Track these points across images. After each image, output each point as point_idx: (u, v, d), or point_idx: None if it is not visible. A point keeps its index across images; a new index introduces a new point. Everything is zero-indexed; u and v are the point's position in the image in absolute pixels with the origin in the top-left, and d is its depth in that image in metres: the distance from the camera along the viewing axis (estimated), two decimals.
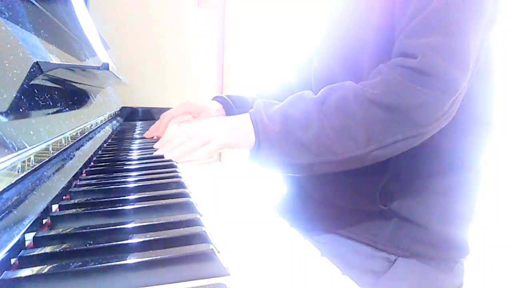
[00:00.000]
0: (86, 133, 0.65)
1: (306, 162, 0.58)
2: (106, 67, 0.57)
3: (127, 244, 0.29)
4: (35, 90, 0.45)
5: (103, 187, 0.44)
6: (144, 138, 0.88)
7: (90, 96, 0.81)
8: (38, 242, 0.30)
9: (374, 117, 0.55)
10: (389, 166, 0.64)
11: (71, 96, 0.64)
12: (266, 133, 0.59)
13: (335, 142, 0.56)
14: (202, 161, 0.64)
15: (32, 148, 0.36)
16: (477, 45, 0.56)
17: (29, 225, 0.30)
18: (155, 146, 0.69)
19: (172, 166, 0.55)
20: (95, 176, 0.51)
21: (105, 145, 0.77)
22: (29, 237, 0.30)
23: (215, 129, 0.64)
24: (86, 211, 0.36)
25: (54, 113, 0.49)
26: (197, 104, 0.92)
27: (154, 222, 0.33)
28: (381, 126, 0.55)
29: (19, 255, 0.27)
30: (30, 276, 0.24)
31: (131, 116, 1.45)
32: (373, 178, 0.65)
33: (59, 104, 0.53)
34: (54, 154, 0.44)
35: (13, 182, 0.32)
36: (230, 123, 0.64)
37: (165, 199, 0.39)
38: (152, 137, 0.89)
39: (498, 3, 0.58)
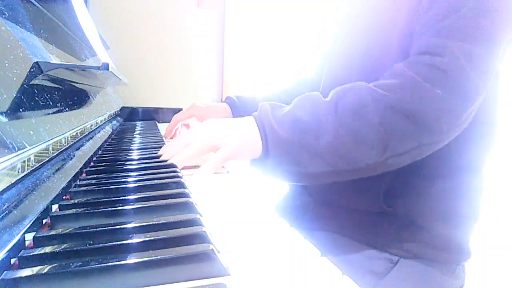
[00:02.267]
0: (86, 133, 0.65)
1: (317, 172, 0.54)
2: (106, 67, 0.57)
3: (127, 244, 0.29)
4: (35, 90, 0.44)
5: (103, 187, 0.44)
6: (144, 138, 0.89)
7: (90, 96, 0.81)
8: (38, 242, 0.30)
9: (393, 125, 0.52)
10: None
11: (71, 96, 0.64)
12: (276, 141, 0.54)
13: (351, 150, 0.53)
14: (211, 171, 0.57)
15: (32, 148, 0.36)
16: (500, 54, 0.55)
17: (29, 225, 0.30)
18: (159, 152, 0.63)
19: (172, 166, 0.55)
20: (95, 176, 0.51)
21: (105, 145, 0.77)
22: (29, 237, 0.30)
23: (225, 134, 0.57)
24: (86, 211, 0.36)
25: (54, 113, 0.49)
26: (203, 107, 0.91)
27: (154, 222, 0.33)
28: (400, 134, 0.52)
29: (19, 255, 0.27)
30: (30, 276, 0.24)
31: (131, 116, 1.45)
32: (376, 178, 0.65)
33: (59, 104, 0.53)
34: (54, 154, 0.44)
35: (13, 182, 0.32)
36: (239, 129, 0.57)
37: (165, 199, 0.39)
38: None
39: None
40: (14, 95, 0.37)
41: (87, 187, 0.44)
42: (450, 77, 0.52)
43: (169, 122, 0.96)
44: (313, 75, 0.94)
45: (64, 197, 0.41)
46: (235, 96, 0.93)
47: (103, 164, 0.58)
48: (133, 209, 0.37)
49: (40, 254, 0.27)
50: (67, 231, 0.32)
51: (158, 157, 0.62)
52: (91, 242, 0.29)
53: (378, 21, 0.64)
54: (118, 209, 0.36)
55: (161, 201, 0.38)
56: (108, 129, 0.91)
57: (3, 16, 0.44)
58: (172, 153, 0.58)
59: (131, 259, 0.26)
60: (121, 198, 0.40)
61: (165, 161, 0.57)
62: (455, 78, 0.52)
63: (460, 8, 0.53)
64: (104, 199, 0.39)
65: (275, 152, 0.54)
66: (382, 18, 0.64)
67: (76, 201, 0.39)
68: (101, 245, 0.28)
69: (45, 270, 0.25)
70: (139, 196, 0.40)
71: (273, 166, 0.55)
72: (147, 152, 0.67)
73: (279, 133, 0.54)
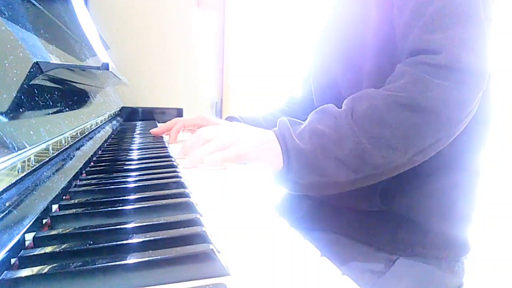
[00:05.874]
0: (86, 133, 0.65)
1: (344, 180, 0.54)
2: (106, 67, 0.57)
3: (127, 244, 0.29)
4: (35, 90, 0.45)
5: (103, 187, 0.44)
6: (144, 138, 0.89)
7: (90, 96, 0.81)
8: (38, 242, 0.30)
9: (409, 122, 0.52)
10: None
11: (71, 96, 0.64)
12: (297, 152, 0.54)
13: (374, 154, 0.53)
14: (213, 167, 0.58)
15: (32, 148, 0.36)
16: (489, 29, 0.55)
17: (29, 225, 0.30)
18: (178, 155, 0.64)
19: (172, 166, 0.55)
20: (95, 176, 0.51)
21: (105, 145, 0.77)
22: (29, 237, 0.30)
23: (235, 135, 0.57)
24: (86, 211, 0.36)
25: (54, 113, 0.49)
26: (212, 120, 0.91)
27: (154, 222, 0.33)
28: (418, 130, 0.53)
29: (19, 255, 0.27)
30: (30, 276, 0.24)
31: (131, 116, 1.45)
32: None
33: (59, 104, 0.53)
34: (54, 154, 0.44)
35: (13, 182, 0.32)
36: (254, 134, 0.58)
37: (165, 199, 0.39)
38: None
39: None
40: (14, 95, 0.37)
41: (87, 187, 0.44)
42: (453, 69, 0.52)
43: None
44: (299, 92, 0.96)
45: (64, 197, 0.41)
46: (239, 116, 0.93)
47: (103, 164, 0.58)
48: (133, 209, 0.37)
49: (40, 254, 0.27)
50: (67, 231, 0.32)
51: (158, 157, 0.62)
52: (91, 242, 0.29)
53: (352, 22, 0.68)
54: (118, 209, 0.36)
55: (161, 201, 0.38)
56: (108, 129, 0.91)
57: (3, 16, 0.44)
58: (196, 153, 0.58)
59: (131, 259, 0.26)
60: (121, 198, 0.40)
61: (165, 161, 0.57)
62: (458, 69, 0.52)
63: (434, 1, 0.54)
64: (104, 199, 0.39)
65: (298, 165, 0.54)
66: (355, 20, 0.67)
67: (76, 201, 0.39)
68: (101, 245, 0.28)
69: (45, 270, 0.25)
70: (139, 196, 0.40)
71: (297, 179, 0.55)
72: (147, 152, 0.67)
73: (301, 145, 0.54)
